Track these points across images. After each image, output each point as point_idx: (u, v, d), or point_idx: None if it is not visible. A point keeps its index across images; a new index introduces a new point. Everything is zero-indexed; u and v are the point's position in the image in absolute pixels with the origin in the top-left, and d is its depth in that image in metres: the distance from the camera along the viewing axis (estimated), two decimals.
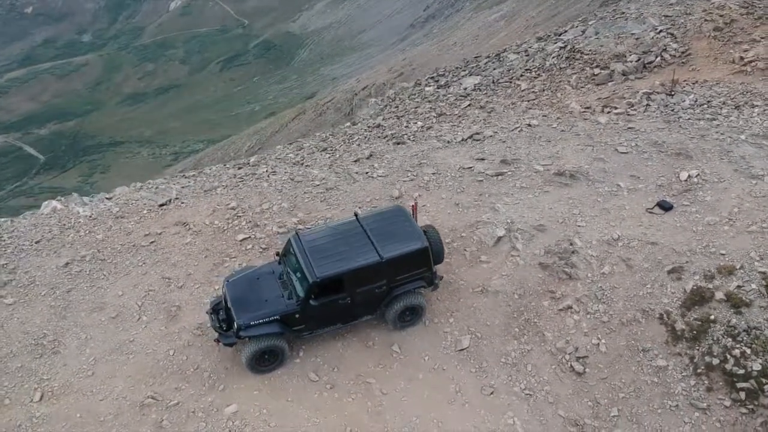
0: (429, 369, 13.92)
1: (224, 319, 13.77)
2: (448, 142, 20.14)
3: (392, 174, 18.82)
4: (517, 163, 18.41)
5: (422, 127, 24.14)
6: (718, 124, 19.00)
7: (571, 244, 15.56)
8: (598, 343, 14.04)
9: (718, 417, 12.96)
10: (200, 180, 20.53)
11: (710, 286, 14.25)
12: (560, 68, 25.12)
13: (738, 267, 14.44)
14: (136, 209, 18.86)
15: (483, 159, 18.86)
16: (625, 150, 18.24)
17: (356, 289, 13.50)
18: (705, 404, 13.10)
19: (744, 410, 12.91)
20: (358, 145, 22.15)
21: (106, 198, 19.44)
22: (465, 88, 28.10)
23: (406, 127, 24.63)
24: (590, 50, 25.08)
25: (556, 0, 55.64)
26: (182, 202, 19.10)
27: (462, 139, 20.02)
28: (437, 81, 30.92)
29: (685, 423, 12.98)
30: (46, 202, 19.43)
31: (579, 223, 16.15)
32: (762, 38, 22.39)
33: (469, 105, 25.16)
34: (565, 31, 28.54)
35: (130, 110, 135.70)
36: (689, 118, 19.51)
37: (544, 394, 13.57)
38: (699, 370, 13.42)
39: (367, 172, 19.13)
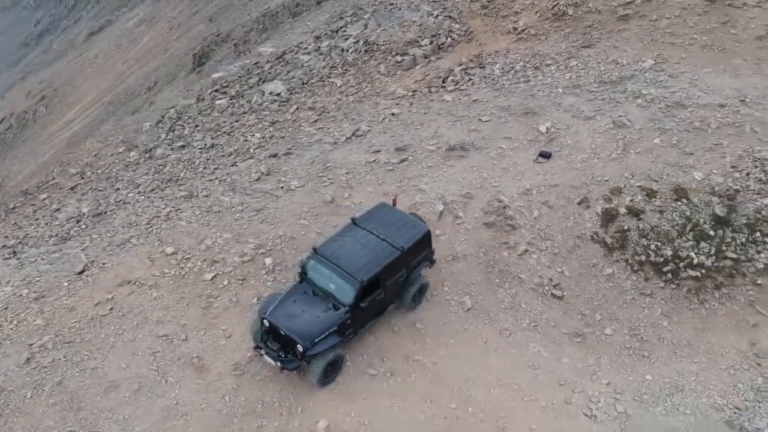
0: (455, 333, 16.25)
1: (280, 348, 14.47)
2: (334, 143, 21.95)
3: (308, 183, 20.19)
4: (409, 148, 21.05)
5: (263, 138, 25.37)
6: (533, 84, 23.62)
7: (500, 202, 18.83)
8: (562, 270, 17.64)
9: (660, 297, 17.44)
10: (97, 237, 19.60)
11: (612, 205, 18.67)
12: (364, 61, 27.96)
13: (622, 187, 19.04)
14: (51, 285, 17.72)
15: (379, 151, 21.11)
16: (488, 118, 21.94)
17: (387, 283, 15.25)
18: (649, 291, 17.48)
19: (673, 286, 17.55)
20: (233, 165, 22.71)
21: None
22: (271, 93, 29.50)
23: (245, 140, 25.64)
24: (384, 41, 28.32)
25: None
26: (102, 263, 18.30)
27: (347, 138, 21.98)
28: (225, 93, 31.62)
29: (643, 308, 17.22)
30: None
31: (494, 184, 19.46)
32: (522, 9, 27.72)
33: (297, 109, 26.85)
34: (341, 28, 31.37)
35: None
36: (510, 84, 23.87)
37: (544, 321, 16.80)
38: (635, 268, 17.76)
39: (282, 187, 20.20)
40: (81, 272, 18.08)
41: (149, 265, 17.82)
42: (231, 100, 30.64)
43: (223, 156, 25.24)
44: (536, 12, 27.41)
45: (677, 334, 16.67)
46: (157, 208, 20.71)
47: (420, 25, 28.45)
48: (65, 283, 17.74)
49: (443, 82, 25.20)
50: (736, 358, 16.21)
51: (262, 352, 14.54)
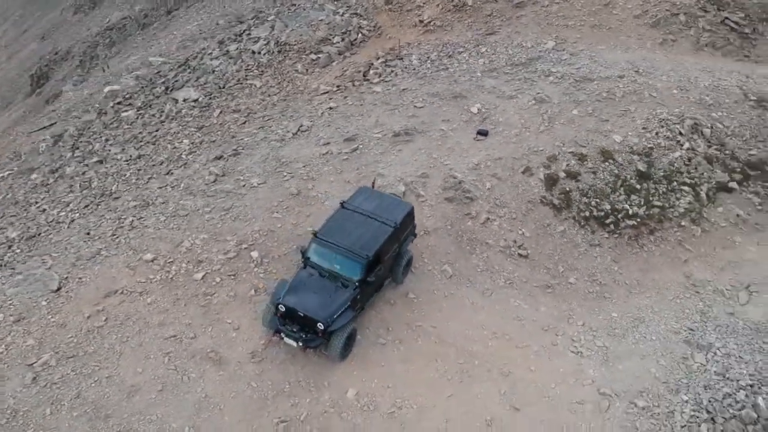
0: (443, 298, 17.80)
1: (299, 329, 15.44)
2: (282, 140, 22.79)
3: (269, 179, 20.97)
4: (358, 137, 22.33)
5: (192, 143, 25.78)
6: (453, 71, 25.62)
7: (454, 178, 20.59)
8: (522, 232, 19.65)
9: (607, 246, 19.89)
10: (57, 254, 19.42)
11: (552, 171, 20.95)
12: (279, 61, 28.82)
13: (557, 154, 21.39)
14: (28, 306, 17.60)
15: (328, 143, 22.24)
16: (422, 105, 23.62)
17: (385, 258, 16.60)
18: (597, 242, 19.89)
19: (616, 235, 20.08)
20: (168, 174, 22.86)
21: None
22: (186, 100, 29.70)
23: (174, 148, 25.91)
24: (295, 41, 29.31)
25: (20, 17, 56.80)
26: (79, 277, 18.34)
27: (293, 134, 22.89)
28: (130, 104, 31.41)
29: (595, 257, 19.59)
30: None
31: (444, 162, 21.19)
32: (425, 3, 29.69)
33: (221, 112, 27.35)
34: (244, 32, 32.01)
35: None
36: (431, 72, 25.71)
37: (517, 278, 18.72)
38: (582, 224, 20.12)
39: (243, 185, 20.85)
40: (57, 289, 17.81)
41: (131, 273, 17.92)
42: (139, 111, 30.33)
43: (154, 165, 25.19)
44: (437, 5, 29.38)
45: (627, 275, 19.06)
46: (112, 220, 20.53)
47: (328, 24, 29.60)
48: (44, 302, 17.54)
49: (364, 76, 26.51)
50: (678, 289, 18.80)
51: (283, 335, 15.21)
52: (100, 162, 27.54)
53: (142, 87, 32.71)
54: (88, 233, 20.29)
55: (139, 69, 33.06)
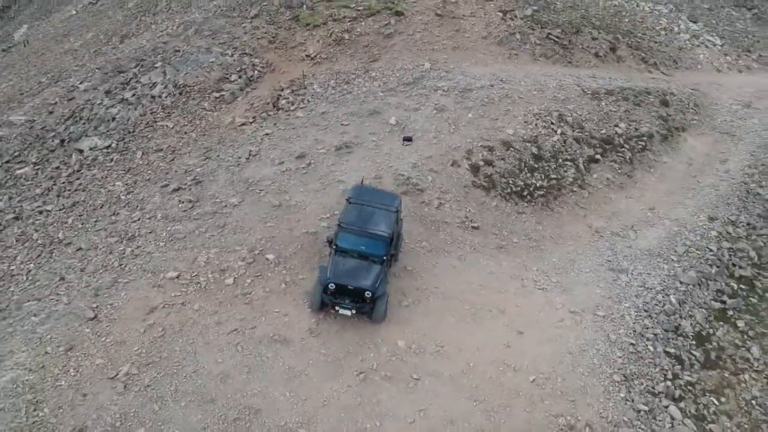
0: (433, 267, 21.80)
1: (351, 301, 19.10)
2: (237, 165, 25.67)
3: (246, 197, 23.85)
4: (307, 155, 25.91)
5: (127, 184, 27.90)
6: (357, 94, 29.95)
7: (402, 175, 25.00)
8: (468, 210, 24.48)
9: (529, 212, 25.43)
10: (63, 293, 20.97)
11: (473, 162, 26.11)
12: (183, 102, 31.38)
13: (471, 148, 26.65)
14: (71, 336, 19.06)
15: (282, 162, 25.58)
16: (347, 122, 27.84)
17: (394, 237, 20.77)
18: (521, 210, 25.38)
19: (533, 204, 25.75)
20: (114, 215, 24.78)
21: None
22: (93, 149, 31.28)
23: (109, 191, 27.73)
24: (194, 82, 32.04)
25: None
26: (109, 304, 20.31)
27: (246, 159, 25.88)
28: (22, 161, 32.08)
29: (524, 222, 24.99)
30: None
31: (389, 165, 25.55)
32: (305, 40, 33.91)
33: (143, 154, 29.46)
34: (131, 80, 34.03)
35: None
36: (338, 96, 29.97)
37: (477, 244, 23.45)
38: (507, 198, 25.46)
39: (224, 206, 23.52)
40: (94, 317, 19.46)
41: (162, 291, 20.04)
42: (35, 166, 31.07)
43: (94, 209, 26.55)
44: (318, 41, 33.69)
45: (550, 231, 24.66)
46: (103, 254, 22.20)
47: (221, 65, 32.59)
48: (86, 329, 19.09)
49: (274, 106, 30.04)
50: (588, 236, 24.74)
51: (338, 308, 18.64)
52: (17, 218, 28.12)
53: (30, 143, 33.07)
54: (83, 269, 21.69)
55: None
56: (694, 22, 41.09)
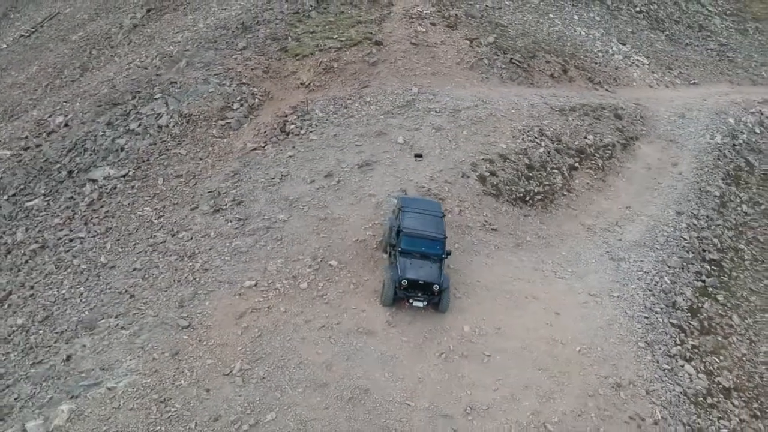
0: (468, 263, 25.01)
1: (425, 293, 22.27)
2: (272, 185, 28.15)
3: (292, 212, 26.37)
4: (333, 174, 28.70)
5: (157, 209, 30.04)
6: (359, 118, 32.88)
7: (423, 187, 28.32)
8: (485, 215, 27.98)
9: (533, 215, 29.34)
10: (144, 307, 23.16)
11: (479, 173, 29.83)
12: (192, 130, 33.64)
13: (475, 161, 30.40)
14: (172, 344, 21.10)
15: (313, 181, 28.29)
16: (360, 143, 30.97)
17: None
18: (526, 213, 29.33)
19: (535, 207, 29.72)
20: (151, 238, 26.98)
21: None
22: (107, 178, 33.02)
23: (140, 215, 29.75)
24: (198, 112, 34.25)
25: None
26: (198, 313, 22.64)
27: (280, 179, 28.43)
28: (30, 194, 33.44)
29: (531, 223, 28.95)
30: None
31: (409, 178, 28.84)
32: (296, 70, 36.82)
33: (164, 180, 31.53)
34: (131, 111, 35.89)
35: None
36: (342, 119, 32.95)
37: (499, 243, 27.03)
38: (513, 203, 29.28)
39: (274, 221, 25.88)
40: (188, 326, 21.73)
41: (245, 298, 22.43)
42: (46, 197, 32.55)
43: (130, 234, 28.49)
44: (308, 69, 36.60)
45: (552, 230, 28.59)
46: (168, 271, 24.35)
47: (221, 94, 34.91)
48: (185, 336, 21.29)
49: (282, 131, 32.78)
50: (583, 233, 28.81)
51: (411, 301, 21.74)
52: (42, 247, 29.67)
53: (34, 176, 34.35)
54: (152, 286, 23.75)
55: None
56: (623, 44, 46.61)
